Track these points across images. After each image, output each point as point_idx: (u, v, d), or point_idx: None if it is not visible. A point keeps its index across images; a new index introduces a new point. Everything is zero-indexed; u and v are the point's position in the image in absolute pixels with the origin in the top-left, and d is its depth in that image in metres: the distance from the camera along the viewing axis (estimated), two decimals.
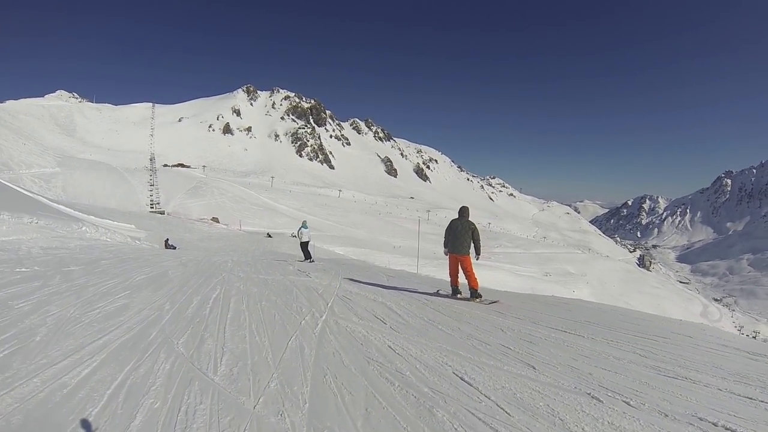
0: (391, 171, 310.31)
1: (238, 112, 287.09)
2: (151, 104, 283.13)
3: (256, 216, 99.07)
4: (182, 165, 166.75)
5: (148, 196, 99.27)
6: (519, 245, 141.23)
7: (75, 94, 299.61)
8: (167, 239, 33.90)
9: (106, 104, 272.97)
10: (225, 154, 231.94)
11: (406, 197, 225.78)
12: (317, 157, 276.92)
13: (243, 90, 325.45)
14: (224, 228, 78.03)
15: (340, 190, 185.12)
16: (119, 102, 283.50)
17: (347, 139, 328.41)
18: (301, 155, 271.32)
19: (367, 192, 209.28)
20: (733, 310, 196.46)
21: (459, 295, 11.48)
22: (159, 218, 71.98)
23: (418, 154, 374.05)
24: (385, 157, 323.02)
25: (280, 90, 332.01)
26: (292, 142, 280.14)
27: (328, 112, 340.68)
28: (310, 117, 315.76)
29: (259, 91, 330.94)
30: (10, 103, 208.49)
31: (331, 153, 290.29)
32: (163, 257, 20.25)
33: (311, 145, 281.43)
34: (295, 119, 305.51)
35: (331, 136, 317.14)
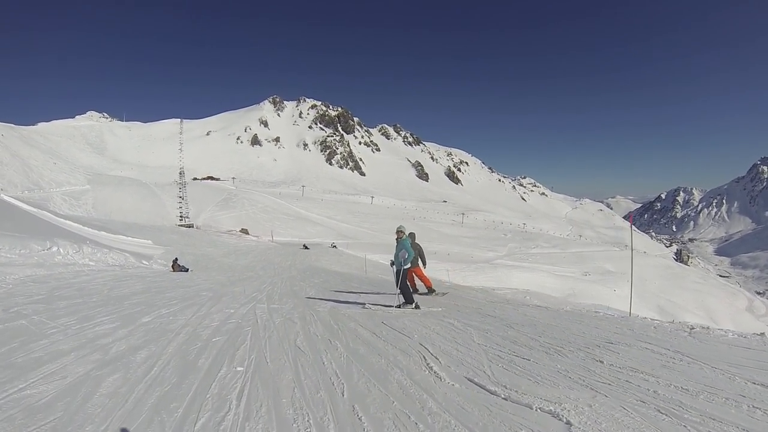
0: (423, 175, 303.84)
1: (265, 123, 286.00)
2: (179, 120, 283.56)
3: (289, 226, 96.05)
4: (212, 178, 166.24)
5: (177, 209, 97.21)
6: (556, 245, 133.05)
7: (105, 114, 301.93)
8: (176, 259, 26.47)
9: (136, 122, 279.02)
10: (254, 165, 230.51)
11: (439, 201, 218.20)
12: (347, 164, 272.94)
13: (269, 101, 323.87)
14: (254, 240, 72.42)
15: (372, 197, 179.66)
16: (148, 119, 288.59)
17: (377, 145, 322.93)
18: (331, 163, 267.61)
19: (400, 197, 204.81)
20: None
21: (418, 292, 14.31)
22: (183, 232, 66.92)
23: (448, 157, 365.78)
24: (416, 161, 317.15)
25: (307, 99, 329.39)
26: (322, 151, 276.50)
27: (356, 119, 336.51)
28: (338, 125, 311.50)
29: (285, 102, 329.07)
30: (42, 125, 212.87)
31: (361, 160, 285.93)
32: (156, 292, 14.27)
33: (341, 153, 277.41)
34: (323, 127, 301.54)
35: (360, 143, 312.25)
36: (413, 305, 11.31)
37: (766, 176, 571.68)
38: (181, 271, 25.02)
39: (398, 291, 11.62)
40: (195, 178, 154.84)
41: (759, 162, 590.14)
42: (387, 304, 12.09)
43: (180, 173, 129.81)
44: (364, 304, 12.10)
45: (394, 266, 12.30)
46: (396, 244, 12.41)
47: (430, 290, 14.80)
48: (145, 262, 26.05)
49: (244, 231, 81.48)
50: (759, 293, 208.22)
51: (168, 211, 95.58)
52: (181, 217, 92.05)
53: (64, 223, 36.27)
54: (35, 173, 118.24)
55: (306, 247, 56.50)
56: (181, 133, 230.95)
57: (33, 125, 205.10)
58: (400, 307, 11.27)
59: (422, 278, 14.79)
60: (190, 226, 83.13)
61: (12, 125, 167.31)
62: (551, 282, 71.09)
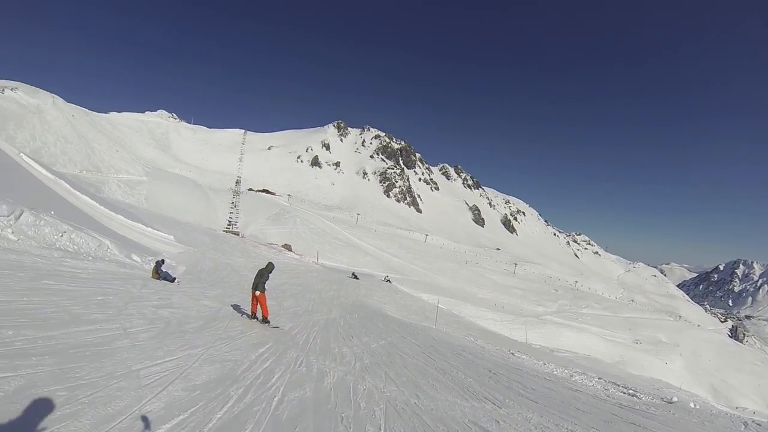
0: (479, 220, 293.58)
1: (327, 146, 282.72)
2: (242, 131, 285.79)
3: (337, 251, 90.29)
4: (267, 191, 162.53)
5: (227, 216, 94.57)
6: (607, 307, 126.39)
7: (174, 115, 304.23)
8: (159, 262, 17.80)
9: (202, 126, 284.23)
10: (312, 185, 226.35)
11: (493, 248, 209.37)
12: (405, 198, 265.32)
13: (334, 125, 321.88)
14: (296, 258, 65.04)
15: (426, 235, 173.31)
16: (214, 125, 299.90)
17: (436, 184, 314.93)
18: (388, 195, 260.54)
19: (454, 239, 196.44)
20: None
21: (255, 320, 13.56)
22: (219, 237, 60.55)
23: (506, 205, 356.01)
24: (473, 205, 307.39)
25: (371, 128, 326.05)
26: (381, 182, 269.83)
27: (417, 154, 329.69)
28: (400, 158, 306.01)
29: (349, 128, 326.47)
30: (113, 114, 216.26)
31: (419, 196, 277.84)
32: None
33: (399, 187, 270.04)
34: (385, 159, 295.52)
35: (420, 179, 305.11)
36: None
37: None
38: (166, 280, 16.95)
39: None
40: (251, 189, 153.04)
41: None
42: None
43: (237, 182, 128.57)
44: None
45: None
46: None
47: (265, 320, 13.42)
48: (136, 258, 19.42)
49: (287, 247, 74.96)
50: None
51: (218, 215, 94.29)
52: (229, 223, 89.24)
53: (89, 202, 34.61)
54: (96, 156, 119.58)
55: (355, 277, 49.39)
56: (243, 144, 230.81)
57: (105, 113, 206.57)
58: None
59: (264, 306, 13.56)
60: (236, 233, 79.33)
61: (86, 110, 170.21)
62: (601, 346, 68.75)
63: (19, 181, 26.88)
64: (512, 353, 20.20)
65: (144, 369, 6.38)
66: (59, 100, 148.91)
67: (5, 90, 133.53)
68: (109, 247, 18.47)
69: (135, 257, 19.30)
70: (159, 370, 6.51)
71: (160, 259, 18.15)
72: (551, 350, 42.52)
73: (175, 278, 17.43)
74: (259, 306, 13.47)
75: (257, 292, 13.23)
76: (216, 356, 7.88)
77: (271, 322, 13.21)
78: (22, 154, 42.99)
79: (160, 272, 16.79)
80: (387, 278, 59.01)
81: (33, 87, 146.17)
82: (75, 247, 16.53)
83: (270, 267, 13.83)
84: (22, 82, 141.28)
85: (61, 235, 16.23)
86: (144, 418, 4.82)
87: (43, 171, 38.97)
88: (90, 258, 16.02)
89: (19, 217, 14.73)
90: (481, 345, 21.14)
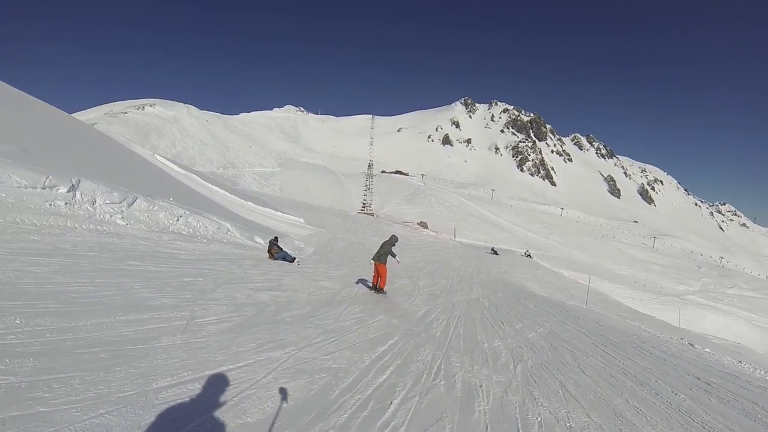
0: (614, 191, 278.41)
1: (456, 124, 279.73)
2: (370, 116, 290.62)
3: (474, 228, 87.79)
4: (400, 172, 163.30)
5: (361, 198, 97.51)
6: (757, 288, 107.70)
7: (301, 108, 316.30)
8: (274, 239, 16.21)
9: (329, 116, 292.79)
10: (444, 164, 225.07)
11: (630, 221, 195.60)
12: (538, 172, 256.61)
13: (461, 102, 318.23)
14: (432, 235, 63.24)
15: (562, 209, 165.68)
16: (341, 114, 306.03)
17: (569, 155, 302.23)
18: (522, 170, 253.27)
19: (589, 212, 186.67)
20: None
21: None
22: (351, 217, 60.25)
23: (642, 174, 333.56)
24: (608, 175, 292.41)
25: (499, 102, 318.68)
26: (513, 156, 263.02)
27: (548, 126, 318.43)
28: (531, 130, 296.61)
29: (477, 104, 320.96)
30: (243, 115, 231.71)
31: (552, 169, 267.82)
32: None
33: (532, 160, 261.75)
34: (515, 132, 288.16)
35: (552, 151, 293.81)
36: None
37: None
38: (284, 260, 15.26)
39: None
40: (383, 171, 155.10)
41: None
42: None
43: (369, 165, 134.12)
44: None
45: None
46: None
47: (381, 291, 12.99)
48: (259, 240, 18.67)
49: (423, 224, 73.54)
50: None
51: (352, 198, 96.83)
52: (363, 205, 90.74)
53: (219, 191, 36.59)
54: (231, 153, 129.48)
55: (495, 252, 47.62)
56: (372, 128, 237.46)
57: (235, 115, 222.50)
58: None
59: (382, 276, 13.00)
60: (370, 215, 79.24)
61: (218, 114, 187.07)
62: (750, 333, 58.62)
63: (147, 175, 27.28)
64: (691, 344, 16.33)
65: (169, 387, 4.04)
66: (193, 109, 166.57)
67: (145, 107, 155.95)
68: (229, 230, 18.03)
69: (258, 239, 18.45)
70: (190, 391, 4.10)
71: (273, 237, 16.49)
72: (704, 336, 37.58)
73: (294, 258, 15.67)
74: (379, 278, 12.94)
75: (376, 263, 12.92)
76: (308, 361, 5.49)
77: (405, 305, 11.47)
78: (156, 154, 46.44)
79: (276, 252, 15.20)
80: (527, 253, 55.60)
81: (170, 101, 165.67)
82: (190, 230, 15.97)
83: (393, 239, 13.24)
84: (160, 98, 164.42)
85: (177, 220, 15.82)
86: None
87: (175, 167, 41.78)
88: (205, 240, 15.23)
89: (132, 204, 14.43)
90: (651, 333, 17.51)
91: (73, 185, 12.88)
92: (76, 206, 12.38)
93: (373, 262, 12.92)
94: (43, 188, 11.96)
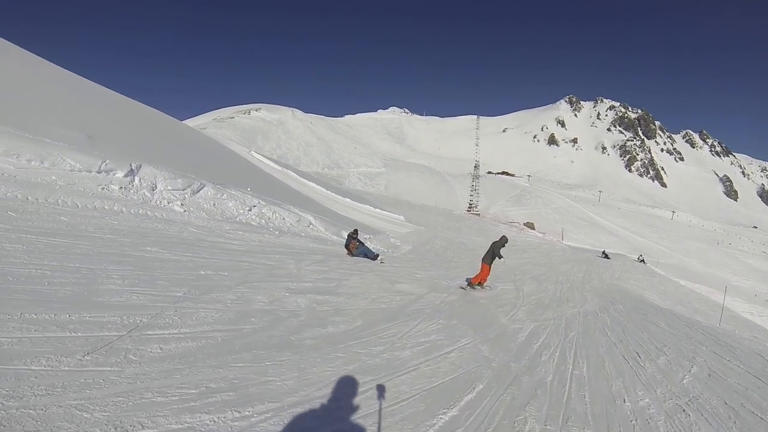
0: (731, 192, 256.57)
1: (562, 123, 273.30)
2: (475, 116, 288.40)
3: (581, 231, 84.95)
4: (506, 173, 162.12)
5: (468, 199, 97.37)
6: None
7: (406, 110, 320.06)
8: (353, 232, 14.49)
9: (434, 117, 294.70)
10: (550, 165, 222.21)
11: (749, 226, 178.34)
12: (647, 172, 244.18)
13: (566, 100, 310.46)
14: (539, 237, 60.89)
15: (673, 212, 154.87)
16: (445, 115, 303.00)
17: (680, 154, 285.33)
18: (630, 170, 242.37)
19: (703, 216, 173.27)
20: None
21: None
22: (455, 216, 60.12)
23: (762, 174, 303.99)
24: (724, 175, 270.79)
25: (604, 99, 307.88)
26: (621, 156, 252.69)
27: (657, 123, 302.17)
28: (638, 128, 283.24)
29: (582, 101, 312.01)
30: (347, 117, 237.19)
31: (662, 169, 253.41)
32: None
33: (641, 159, 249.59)
34: (623, 130, 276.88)
35: (662, 150, 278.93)
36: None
37: None
38: (366, 257, 13.69)
39: None
40: (489, 172, 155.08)
41: None
42: None
43: (475, 166, 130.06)
44: None
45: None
46: None
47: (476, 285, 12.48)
48: (345, 235, 17.44)
49: (529, 225, 71.53)
50: None
51: (458, 199, 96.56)
52: (470, 206, 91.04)
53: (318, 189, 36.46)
54: (336, 154, 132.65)
55: (606, 256, 43.39)
56: (477, 129, 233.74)
57: (340, 117, 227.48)
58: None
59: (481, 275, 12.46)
60: (477, 215, 79.60)
61: (323, 116, 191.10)
62: None
63: (235, 169, 27.71)
64: None
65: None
66: (298, 112, 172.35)
67: (251, 112, 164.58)
68: (311, 223, 17.34)
69: (345, 234, 17.02)
70: None
71: (352, 230, 14.53)
72: None
73: (377, 255, 13.76)
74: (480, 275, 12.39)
75: (483, 264, 12.46)
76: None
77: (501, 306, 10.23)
78: (252, 152, 48.59)
79: (355, 247, 13.60)
80: (641, 258, 50.82)
81: (275, 105, 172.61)
82: (262, 221, 15.20)
83: (503, 240, 12.80)
84: (265, 103, 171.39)
85: (249, 210, 15.20)
86: None
87: (272, 164, 43.18)
88: (276, 232, 14.16)
89: (198, 191, 13.96)
90: None
91: (132, 170, 12.62)
92: (132, 191, 11.94)
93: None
94: (99, 172, 11.62)
